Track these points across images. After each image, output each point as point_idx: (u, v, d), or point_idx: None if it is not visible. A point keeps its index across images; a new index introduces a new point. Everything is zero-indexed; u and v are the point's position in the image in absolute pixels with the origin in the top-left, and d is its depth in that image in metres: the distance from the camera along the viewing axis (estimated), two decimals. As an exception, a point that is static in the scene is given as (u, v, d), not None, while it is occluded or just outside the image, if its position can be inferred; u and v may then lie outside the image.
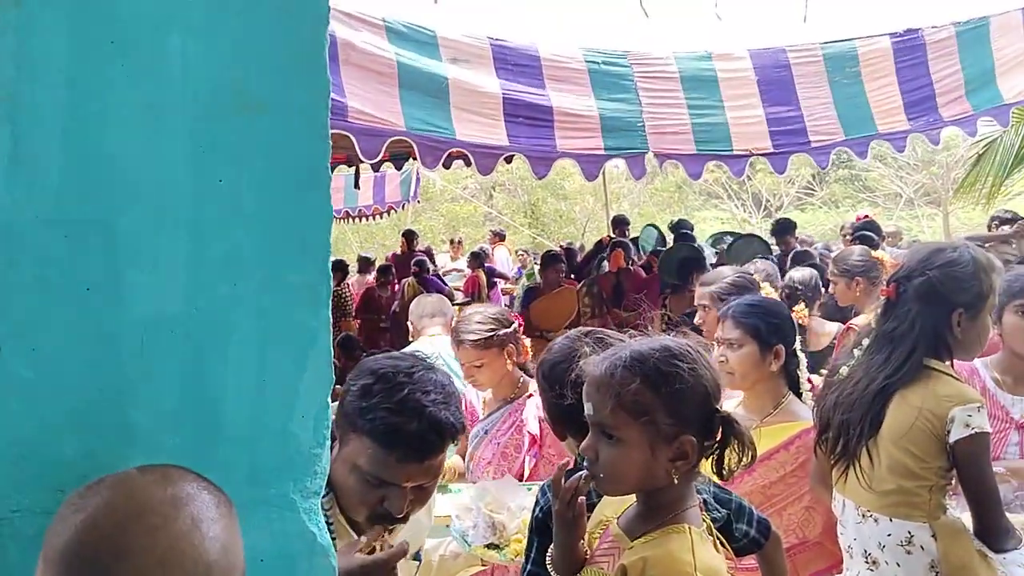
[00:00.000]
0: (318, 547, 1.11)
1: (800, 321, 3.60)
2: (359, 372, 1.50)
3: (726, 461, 1.34)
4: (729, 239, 7.29)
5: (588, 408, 1.36)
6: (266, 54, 1.07)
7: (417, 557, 1.73)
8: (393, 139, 4.53)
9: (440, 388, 1.46)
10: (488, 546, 2.04)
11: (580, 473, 1.40)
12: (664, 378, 1.31)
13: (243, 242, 1.07)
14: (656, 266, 6.65)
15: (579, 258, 8.88)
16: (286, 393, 1.10)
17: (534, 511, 1.67)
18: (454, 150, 5.11)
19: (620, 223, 9.33)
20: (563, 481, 1.40)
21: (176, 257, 1.03)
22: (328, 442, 1.13)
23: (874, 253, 4.32)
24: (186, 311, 1.03)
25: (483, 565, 2.11)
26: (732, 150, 5.53)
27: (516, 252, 12.72)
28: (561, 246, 10.73)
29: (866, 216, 7.51)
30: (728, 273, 3.29)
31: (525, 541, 2.04)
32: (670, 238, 7.65)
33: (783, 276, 4.59)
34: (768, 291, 4.31)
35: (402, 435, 1.39)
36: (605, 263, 7.00)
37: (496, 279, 9.99)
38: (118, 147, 0.99)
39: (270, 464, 1.09)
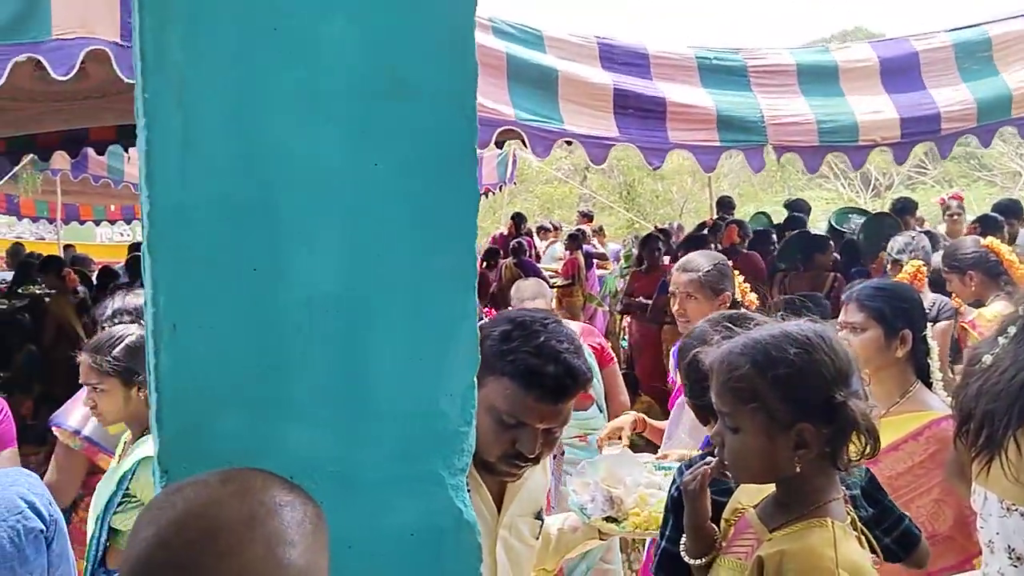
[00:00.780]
0: (464, 523, 1.13)
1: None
2: (497, 320, 1.59)
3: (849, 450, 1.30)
4: (855, 217, 7.02)
5: (712, 395, 1.36)
6: (418, 39, 1.08)
7: (539, 516, 1.77)
8: (502, 128, 4.60)
9: (571, 339, 1.53)
10: (606, 519, 2.05)
11: (710, 458, 1.40)
12: (773, 363, 1.29)
13: (394, 224, 1.09)
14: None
15: (674, 239, 8.75)
16: (435, 372, 1.11)
17: (670, 489, 1.69)
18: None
19: (725, 205, 9.11)
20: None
21: (332, 238, 1.06)
22: (474, 421, 1.15)
23: (988, 240, 4.04)
24: (341, 291, 1.06)
25: (601, 539, 2.13)
26: (858, 141, 5.34)
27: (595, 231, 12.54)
28: (657, 227, 10.59)
29: (955, 196, 7.07)
30: (704, 261, 3.04)
31: (642, 515, 2.05)
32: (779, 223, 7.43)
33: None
34: (913, 267, 4.11)
35: (540, 376, 1.45)
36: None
37: (594, 260, 9.94)
38: (280, 131, 1.02)
39: (419, 441, 1.11)
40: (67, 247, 12.41)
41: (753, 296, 3.12)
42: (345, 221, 1.06)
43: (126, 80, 3.24)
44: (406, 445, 1.10)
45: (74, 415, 2.67)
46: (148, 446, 2.35)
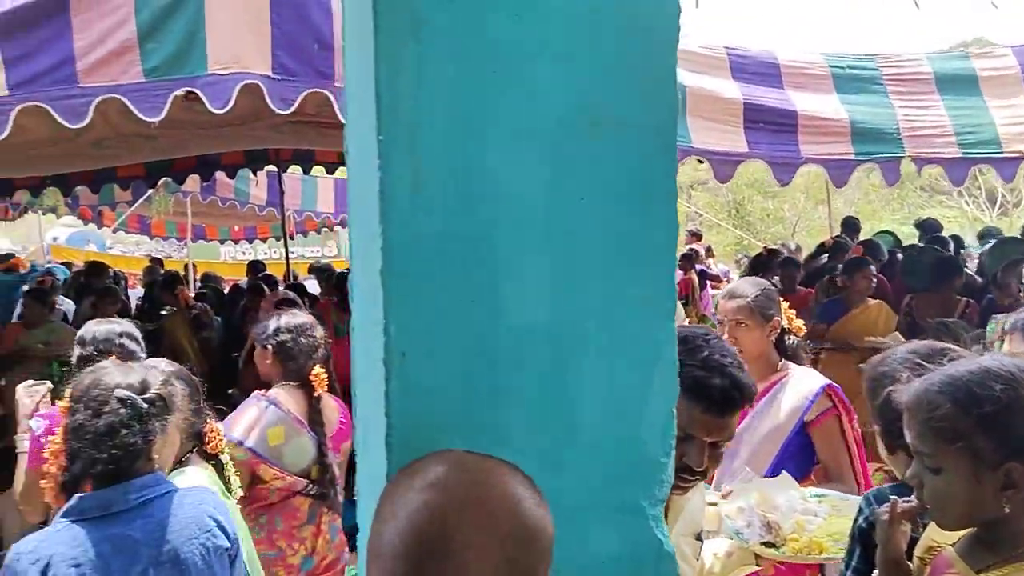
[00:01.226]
0: (664, 554, 1.15)
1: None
2: None
3: None
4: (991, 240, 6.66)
5: (908, 435, 1.32)
6: (622, 76, 1.12)
7: (699, 538, 1.76)
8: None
9: (733, 353, 1.54)
10: (764, 544, 2.04)
11: (908, 499, 1.36)
12: (977, 400, 1.24)
13: (598, 255, 1.12)
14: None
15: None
16: (636, 400, 1.14)
17: (856, 519, 1.66)
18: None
19: (850, 226, 8.62)
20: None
21: (541, 270, 1.09)
22: (673, 451, 1.16)
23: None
24: (549, 320, 1.10)
25: (757, 564, 2.10)
26: (1001, 152, 5.09)
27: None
28: (766, 248, 10.27)
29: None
30: (750, 287, 2.94)
31: (802, 540, 2.02)
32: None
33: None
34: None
35: (707, 389, 1.46)
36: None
37: (708, 281, 9.78)
38: (495, 169, 1.07)
39: (621, 470, 1.13)
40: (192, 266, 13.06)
41: (800, 323, 3.02)
42: (553, 253, 1.10)
43: (278, 110, 3.42)
44: (608, 473, 1.13)
45: (238, 427, 2.81)
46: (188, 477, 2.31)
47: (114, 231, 14.55)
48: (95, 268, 9.16)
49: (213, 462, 2.32)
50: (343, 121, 3.42)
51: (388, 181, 1.01)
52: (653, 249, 1.14)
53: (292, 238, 15.20)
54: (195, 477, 2.16)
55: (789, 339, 2.87)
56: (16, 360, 6.24)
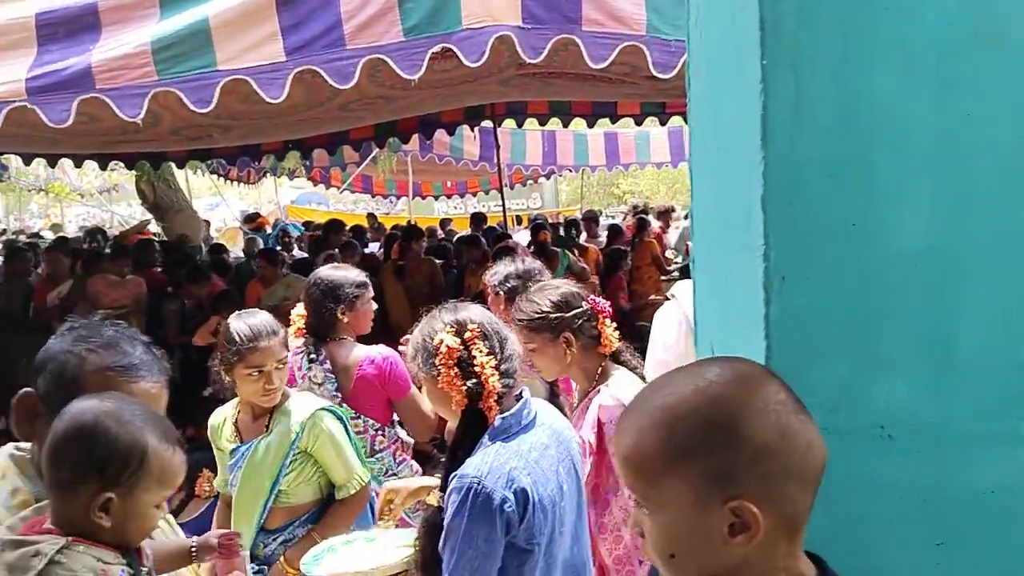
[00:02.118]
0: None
1: None
2: None
3: None
4: None
5: None
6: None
7: None
8: None
9: None
10: None
11: None
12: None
13: (984, 175, 1.05)
14: None
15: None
16: (1017, 328, 1.07)
17: None
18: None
19: None
20: None
21: (923, 192, 1.05)
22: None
23: None
24: (932, 244, 1.06)
25: None
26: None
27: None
28: None
29: None
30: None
31: None
32: None
33: None
34: None
35: None
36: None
37: None
38: (877, 89, 1.04)
39: (1004, 397, 1.08)
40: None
41: None
42: (936, 174, 1.05)
43: (528, 59, 3.49)
44: (991, 401, 1.08)
45: None
46: (303, 402, 2.63)
47: (340, 191, 15.59)
48: (334, 225, 9.85)
49: None
50: (592, 66, 3.43)
51: (770, 105, 1.01)
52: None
53: (499, 190, 15.69)
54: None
55: None
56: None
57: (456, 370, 1.83)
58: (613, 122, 9.07)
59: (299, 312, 3.13)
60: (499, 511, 1.70)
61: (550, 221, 11.46)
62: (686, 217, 10.46)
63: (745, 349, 1.08)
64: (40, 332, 6.76)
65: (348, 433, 2.70)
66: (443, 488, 1.81)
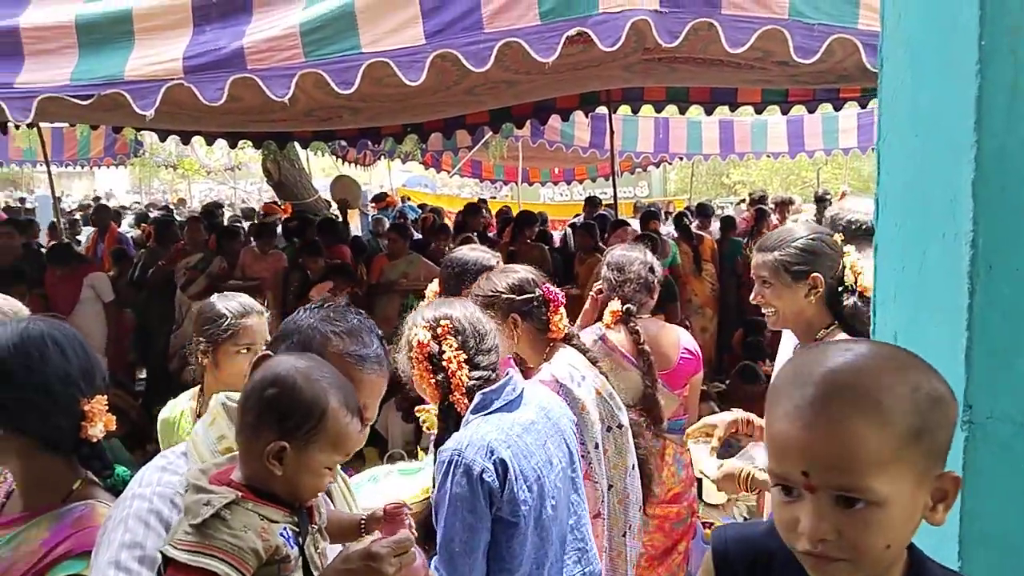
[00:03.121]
0: None
1: None
2: None
3: None
4: None
5: None
6: None
7: None
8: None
9: None
10: None
11: None
12: None
13: None
14: None
15: None
16: None
17: None
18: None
19: None
20: None
21: None
22: None
23: None
24: None
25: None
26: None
27: None
28: None
29: None
30: (800, 231, 2.32)
31: None
32: None
33: None
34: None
35: None
36: None
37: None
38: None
39: None
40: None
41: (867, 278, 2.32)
42: None
43: (664, 44, 3.46)
44: None
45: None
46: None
47: (451, 175, 15.83)
48: (472, 208, 9.95)
49: None
50: (729, 51, 3.35)
51: (986, 88, 0.98)
52: None
53: (607, 178, 15.57)
54: None
55: (850, 298, 2.29)
56: (382, 291, 7.11)
57: (426, 364, 1.97)
58: (732, 110, 8.87)
59: (433, 289, 3.22)
60: (480, 481, 1.80)
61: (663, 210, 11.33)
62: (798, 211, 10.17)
63: (941, 339, 1.06)
64: (156, 294, 7.15)
65: None
66: None
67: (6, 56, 3.61)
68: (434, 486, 1.93)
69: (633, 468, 2.64)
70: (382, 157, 13.87)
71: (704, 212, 9.76)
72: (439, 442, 1.97)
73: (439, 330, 1.98)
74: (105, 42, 3.59)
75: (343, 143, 10.89)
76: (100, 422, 1.66)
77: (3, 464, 1.72)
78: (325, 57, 3.53)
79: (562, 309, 2.57)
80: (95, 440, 1.66)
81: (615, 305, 3.13)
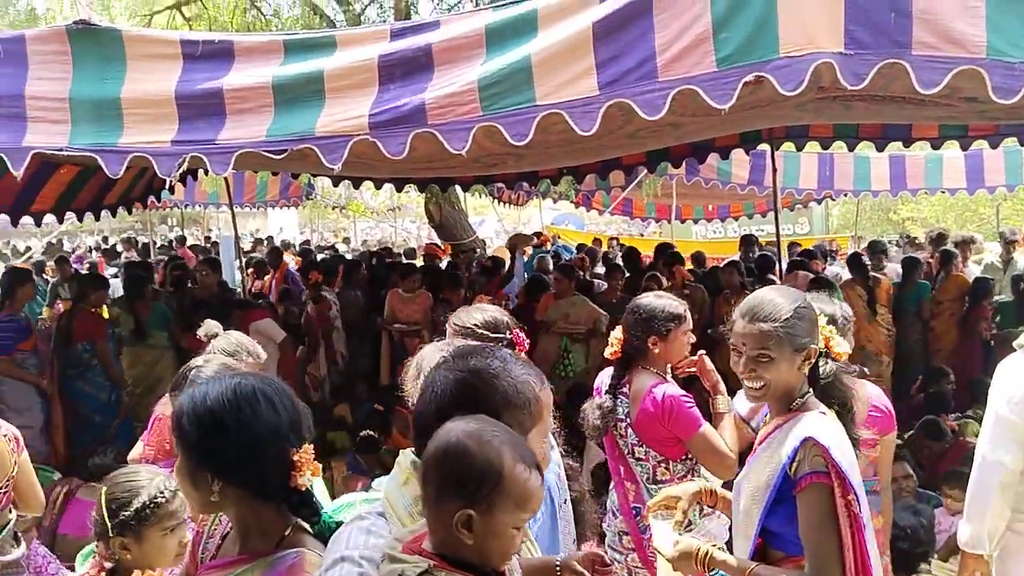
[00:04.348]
0: None
1: None
2: None
3: None
4: None
5: None
6: None
7: None
8: None
9: None
10: None
11: None
12: None
13: None
14: None
15: None
16: None
17: None
18: None
19: None
20: None
21: None
22: None
23: None
24: None
25: None
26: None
27: None
28: None
29: None
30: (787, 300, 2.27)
31: None
32: None
33: None
34: None
35: None
36: None
37: None
38: None
39: None
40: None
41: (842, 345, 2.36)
42: None
43: (850, 86, 3.32)
44: None
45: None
46: None
47: (601, 214, 15.86)
48: (663, 249, 9.76)
49: None
50: (921, 91, 3.18)
51: None
52: None
53: (763, 215, 15.10)
54: None
55: (826, 365, 2.28)
56: (543, 329, 7.15)
57: None
58: (906, 146, 8.41)
59: (617, 335, 3.22)
60: None
61: (828, 249, 10.83)
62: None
63: None
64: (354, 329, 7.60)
65: None
66: None
67: (210, 115, 3.92)
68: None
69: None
70: (533, 196, 14.09)
71: (877, 251, 9.24)
72: None
73: None
74: (297, 100, 3.85)
75: (500, 184, 11.15)
76: (308, 471, 1.75)
77: (221, 511, 1.83)
78: (500, 110, 3.62)
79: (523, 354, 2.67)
80: (304, 488, 1.75)
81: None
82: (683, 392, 3.20)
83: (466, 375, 1.51)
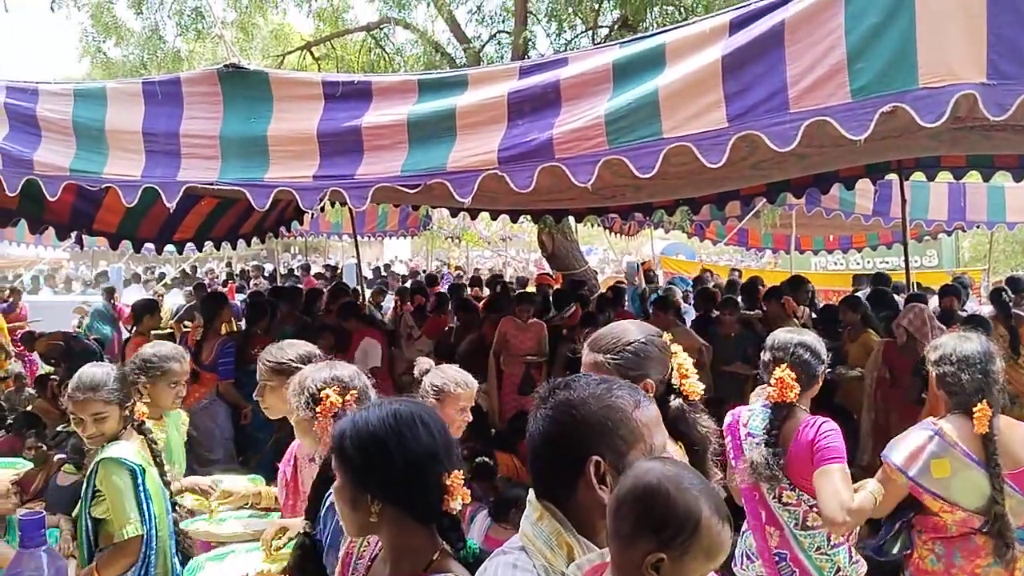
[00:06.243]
0: None
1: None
2: None
3: None
4: None
5: None
6: None
7: None
8: None
9: None
10: None
11: None
12: None
13: None
14: None
15: None
16: None
17: None
18: None
19: None
20: None
21: None
22: None
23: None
24: None
25: None
26: None
27: None
28: None
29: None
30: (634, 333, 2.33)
31: None
32: None
33: None
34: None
35: None
36: None
37: None
38: None
39: None
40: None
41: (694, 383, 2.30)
42: None
43: (992, 117, 3.20)
44: None
45: (899, 451, 2.95)
46: (111, 450, 3.10)
47: (715, 244, 15.59)
48: (795, 281, 9.33)
49: None
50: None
51: None
52: None
53: (888, 247, 14.49)
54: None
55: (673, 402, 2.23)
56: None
57: (331, 421, 2.40)
58: (1049, 174, 7.94)
59: (781, 374, 3.14)
60: None
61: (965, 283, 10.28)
62: None
63: None
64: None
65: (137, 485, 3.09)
66: None
67: (349, 152, 4.13)
68: None
69: None
70: (647, 226, 14.00)
71: (1019, 288, 8.71)
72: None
73: (347, 397, 2.55)
74: (430, 137, 4.00)
75: (614, 215, 11.16)
76: (459, 495, 1.81)
77: (376, 533, 1.91)
78: (627, 144, 3.66)
79: None
80: (455, 513, 1.81)
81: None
82: (832, 423, 3.09)
83: (552, 411, 1.58)
